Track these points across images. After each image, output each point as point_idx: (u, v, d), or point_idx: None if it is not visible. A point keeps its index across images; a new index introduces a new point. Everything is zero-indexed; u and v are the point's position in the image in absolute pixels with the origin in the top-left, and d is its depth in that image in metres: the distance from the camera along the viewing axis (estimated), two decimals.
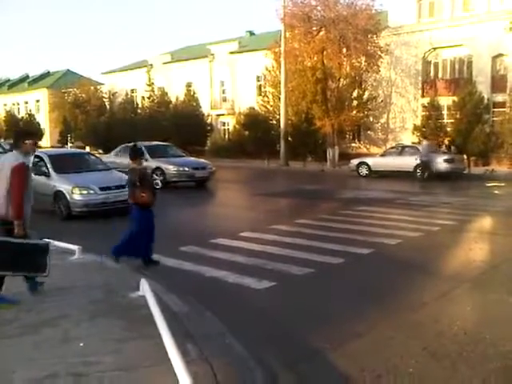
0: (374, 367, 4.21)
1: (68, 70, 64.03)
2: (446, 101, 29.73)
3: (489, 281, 6.74)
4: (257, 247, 8.70)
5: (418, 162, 21.74)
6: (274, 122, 33.74)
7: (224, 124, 43.34)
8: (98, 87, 51.33)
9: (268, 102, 35.46)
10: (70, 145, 47.03)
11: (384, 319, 5.33)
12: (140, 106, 44.94)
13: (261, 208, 14.45)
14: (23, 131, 5.84)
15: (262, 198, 16.44)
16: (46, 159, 12.90)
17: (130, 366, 4.04)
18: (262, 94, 37.58)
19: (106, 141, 37.92)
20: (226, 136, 41.68)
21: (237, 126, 38.00)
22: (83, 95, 50.11)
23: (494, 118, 28.51)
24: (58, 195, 12.11)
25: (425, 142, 23.92)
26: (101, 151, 36.39)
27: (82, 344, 4.46)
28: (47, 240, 5.93)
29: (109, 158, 18.57)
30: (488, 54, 28.73)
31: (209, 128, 40.66)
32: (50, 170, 12.58)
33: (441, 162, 21.58)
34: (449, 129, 28.79)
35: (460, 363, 4.27)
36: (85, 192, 11.92)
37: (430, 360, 4.38)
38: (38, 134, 7.79)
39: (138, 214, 7.64)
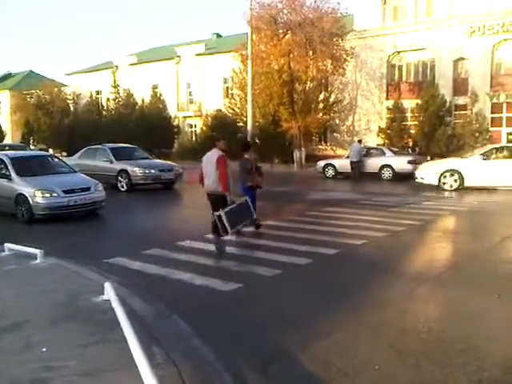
0: (341, 366, 4.24)
1: (30, 71, 62.51)
2: (409, 103, 30.36)
3: (452, 279, 6.88)
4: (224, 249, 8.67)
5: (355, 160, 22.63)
6: (242, 124, 33.78)
7: (191, 126, 43.13)
8: (62, 89, 50.32)
9: (235, 104, 35.44)
10: (32, 147, 45.99)
11: (350, 318, 5.38)
12: (105, 107, 44.31)
13: None
14: (218, 137, 8.88)
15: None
16: (8, 162, 12.55)
17: (95, 371, 3.96)
18: (229, 96, 37.54)
19: (69, 143, 37.27)
20: (194, 138, 41.49)
21: (204, 128, 37.89)
22: (46, 97, 49.01)
23: (456, 121, 29.23)
24: (20, 198, 11.79)
25: (355, 143, 24.26)
26: (64, 153, 35.75)
27: (44, 349, 4.36)
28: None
29: (73, 161, 18.23)
30: (449, 57, 29.44)
31: (176, 130, 40.41)
32: (12, 172, 12.25)
33: (404, 163, 21.98)
34: (412, 131, 29.42)
35: (424, 360, 4.34)
36: (47, 195, 11.66)
37: (395, 357, 4.44)
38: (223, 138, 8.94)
39: (251, 193, 9.77)
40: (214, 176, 8.27)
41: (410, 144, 28.99)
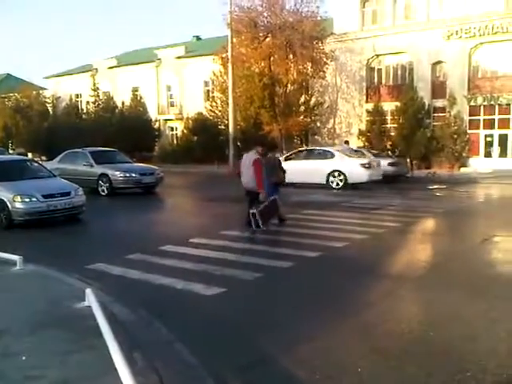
0: (324, 369, 4.25)
1: (8, 74, 61.70)
2: (389, 106, 30.69)
3: (432, 280, 6.94)
4: (206, 253, 8.63)
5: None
6: (223, 127, 33.78)
7: (172, 129, 42.99)
8: (41, 92, 49.72)
9: (216, 107, 35.43)
10: (11, 151, 45.32)
11: (333, 321, 5.40)
12: (85, 111, 43.92)
13: (210, 213, 14.40)
14: (260, 142, 10.60)
15: (211, 203, 16.38)
16: None
17: (76, 379, 3.91)
18: (210, 99, 37.51)
19: (48, 147, 36.86)
20: (175, 141, 41.34)
21: (185, 131, 37.79)
22: (25, 100, 48.34)
23: (435, 123, 29.62)
24: None
25: (342, 146, 24.46)
26: (44, 157, 35.34)
27: (24, 358, 4.28)
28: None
29: (53, 165, 18.00)
30: (428, 61, 29.84)
31: (156, 133, 40.22)
32: None
33: (385, 166, 22.14)
34: (392, 133, 29.73)
35: (407, 361, 4.37)
36: (27, 200, 11.47)
37: (377, 359, 4.46)
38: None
39: (276, 188, 10.93)
40: (250, 175, 9.91)
41: (389, 146, 29.26)
